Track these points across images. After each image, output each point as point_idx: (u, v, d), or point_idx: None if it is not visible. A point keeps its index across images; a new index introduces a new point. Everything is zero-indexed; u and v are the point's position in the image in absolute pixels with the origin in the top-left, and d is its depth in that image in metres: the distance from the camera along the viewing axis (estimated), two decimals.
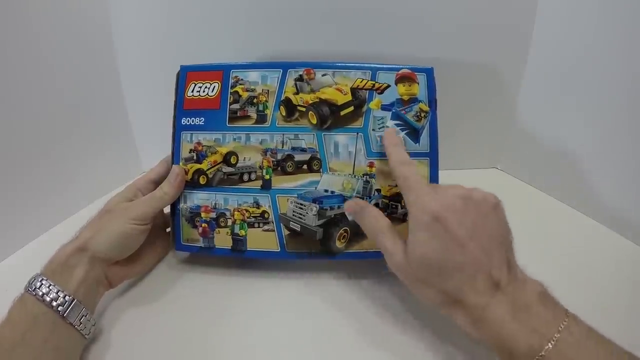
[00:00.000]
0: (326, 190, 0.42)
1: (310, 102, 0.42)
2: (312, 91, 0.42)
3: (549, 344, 0.26)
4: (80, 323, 0.33)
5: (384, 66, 0.42)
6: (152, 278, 0.44)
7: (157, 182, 0.42)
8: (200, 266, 0.45)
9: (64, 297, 0.32)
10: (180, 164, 0.42)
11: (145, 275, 0.44)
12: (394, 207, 0.42)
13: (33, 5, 0.48)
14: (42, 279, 0.32)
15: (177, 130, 0.43)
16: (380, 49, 0.59)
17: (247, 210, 0.42)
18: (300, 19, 0.58)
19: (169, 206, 0.43)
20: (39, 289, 0.32)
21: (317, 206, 0.41)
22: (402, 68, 0.42)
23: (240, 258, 0.43)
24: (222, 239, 0.42)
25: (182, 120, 0.43)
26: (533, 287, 0.29)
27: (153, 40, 0.60)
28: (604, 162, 0.53)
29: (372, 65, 0.43)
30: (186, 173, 0.42)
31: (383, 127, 0.42)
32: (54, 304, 0.31)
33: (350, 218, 0.40)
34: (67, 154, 0.55)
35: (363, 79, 0.42)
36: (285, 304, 0.40)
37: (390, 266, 0.34)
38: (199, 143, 0.42)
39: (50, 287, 0.32)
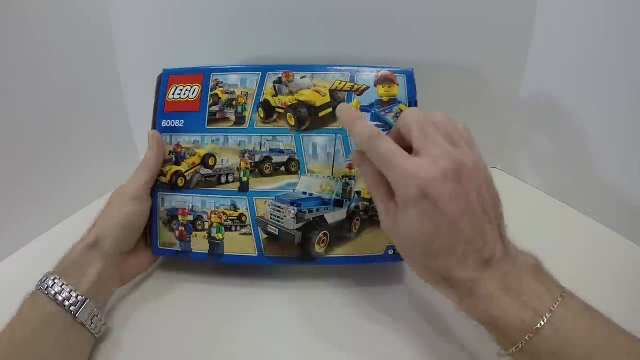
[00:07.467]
0: (304, 193, 0.41)
1: (289, 104, 0.42)
2: (291, 93, 0.42)
3: (543, 319, 0.25)
4: (92, 322, 0.33)
5: (363, 68, 0.42)
6: (159, 277, 0.44)
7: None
8: (207, 267, 0.45)
9: (76, 297, 0.32)
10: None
11: (153, 272, 0.44)
12: (375, 210, 0.41)
13: (32, 5, 0.48)
14: (55, 277, 0.32)
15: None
16: (376, 53, 0.57)
17: (224, 213, 0.42)
18: (283, 23, 0.57)
19: None
20: (51, 287, 0.32)
21: (296, 209, 0.40)
22: (381, 69, 0.41)
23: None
24: (199, 243, 0.42)
25: (163, 123, 0.43)
26: (526, 261, 0.28)
27: (153, 40, 0.60)
28: (603, 162, 0.51)
29: (351, 67, 0.42)
30: (165, 175, 0.42)
31: None
32: (66, 303, 0.31)
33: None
34: (67, 154, 0.55)
35: (342, 81, 0.41)
36: (285, 306, 0.40)
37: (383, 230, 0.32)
38: (178, 145, 0.43)
39: (63, 287, 0.32)
